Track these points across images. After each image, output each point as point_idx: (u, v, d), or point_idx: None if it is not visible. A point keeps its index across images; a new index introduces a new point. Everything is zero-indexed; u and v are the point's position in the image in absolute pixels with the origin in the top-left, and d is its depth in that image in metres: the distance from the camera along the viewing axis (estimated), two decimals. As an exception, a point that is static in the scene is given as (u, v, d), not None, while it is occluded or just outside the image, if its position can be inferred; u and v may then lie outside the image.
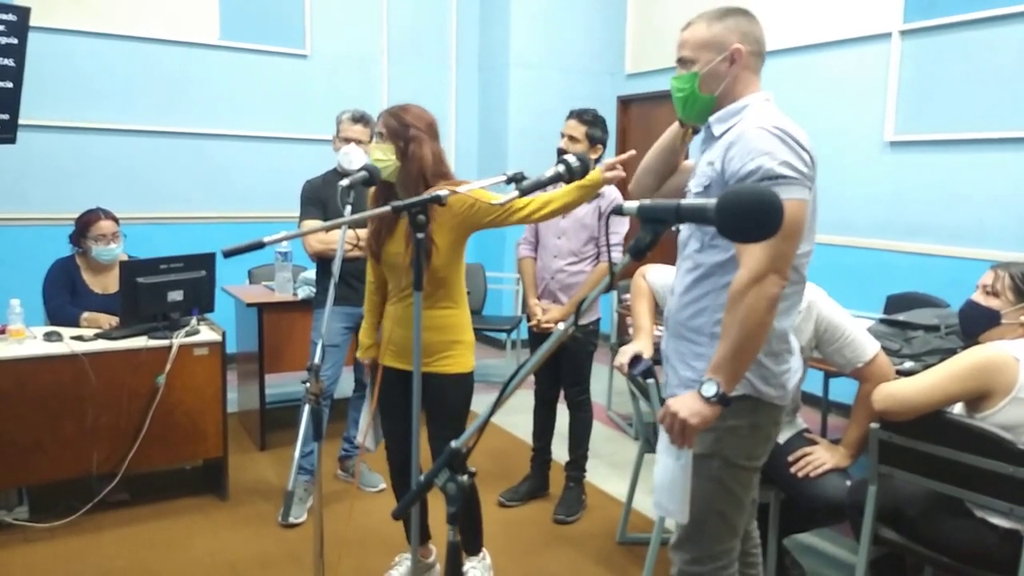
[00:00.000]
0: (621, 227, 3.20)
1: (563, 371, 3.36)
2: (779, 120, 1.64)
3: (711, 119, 1.76)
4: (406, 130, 2.29)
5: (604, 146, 3.21)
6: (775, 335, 1.69)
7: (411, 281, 2.32)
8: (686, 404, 1.59)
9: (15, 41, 3.85)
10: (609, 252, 3.24)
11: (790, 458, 2.37)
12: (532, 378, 3.52)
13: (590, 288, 3.19)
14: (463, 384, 2.44)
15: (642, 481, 3.04)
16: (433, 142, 2.33)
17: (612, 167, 2.20)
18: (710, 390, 1.57)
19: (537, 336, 3.33)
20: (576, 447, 3.39)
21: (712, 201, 1.07)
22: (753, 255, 1.56)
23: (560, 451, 3.49)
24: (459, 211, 2.27)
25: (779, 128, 1.61)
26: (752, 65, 1.74)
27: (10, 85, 3.87)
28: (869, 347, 2.33)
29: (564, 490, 3.37)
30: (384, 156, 2.28)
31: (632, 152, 2.26)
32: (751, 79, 1.74)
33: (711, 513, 1.77)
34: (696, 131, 1.92)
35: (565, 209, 2.34)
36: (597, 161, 3.14)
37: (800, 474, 2.34)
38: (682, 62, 1.76)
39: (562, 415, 3.44)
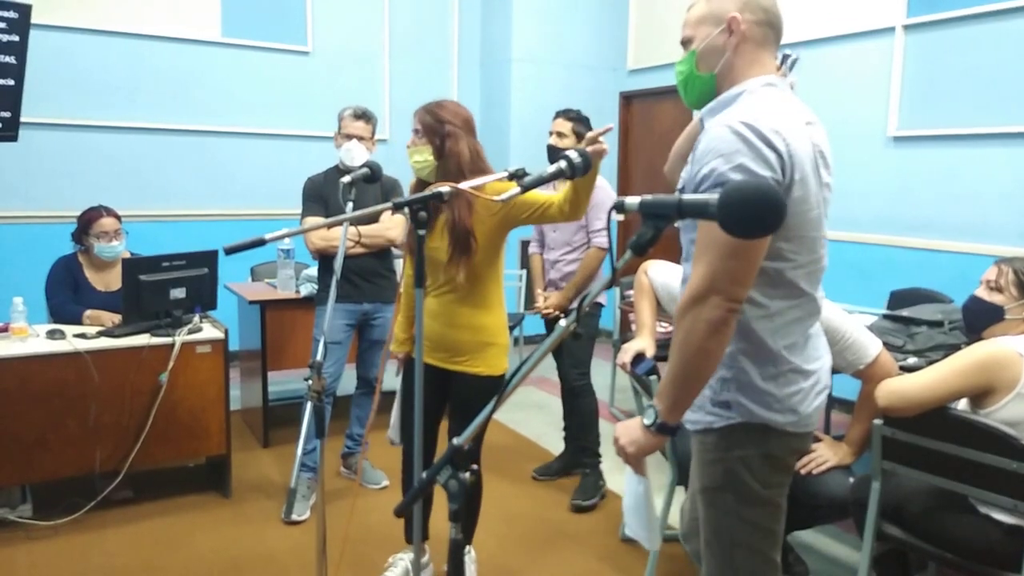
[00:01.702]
0: (603, 213, 3.32)
1: (562, 353, 3.44)
2: (756, 112, 1.41)
3: (702, 111, 1.56)
4: (442, 126, 2.27)
5: None
6: (771, 357, 1.50)
7: (449, 276, 2.30)
8: (627, 430, 1.51)
9: (16, 38, 3.85)
10: (593, 239, 3.32)
11: (793, 455, 2.36)
12: (548, 373, 3.63)
13: (583, 273, 3.34)
14: (492, 387, 2.36)
15: (645, 477, 3.03)
16: (470, 137, 2.30)
17: (594, 140, 2.04)
18: (649, 418, 1.46)
19: (550, 324, 3.48)
20: (585, 434, 3.45)
21: (714, 196, 1.04)
22: (696, 272, 1.39)
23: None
24: (496, 206, 2.22)
25: (747, 123, 1.38)
26: (757, 37, 1.51)
27: (11, 82, 3.88)
28: (871, 347, 2.27)
29: (581, 476, 3.44)
30: (421, 158, 2.27)
31: (610, 126, 2.11)
32: (757, 55, 1.52)
33: (736, 548, 1.60)
34: None
35: (584, 197, 2.23)
36: None
37: (803, 471, 2.32)
38: (684, 44, 1.60)
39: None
